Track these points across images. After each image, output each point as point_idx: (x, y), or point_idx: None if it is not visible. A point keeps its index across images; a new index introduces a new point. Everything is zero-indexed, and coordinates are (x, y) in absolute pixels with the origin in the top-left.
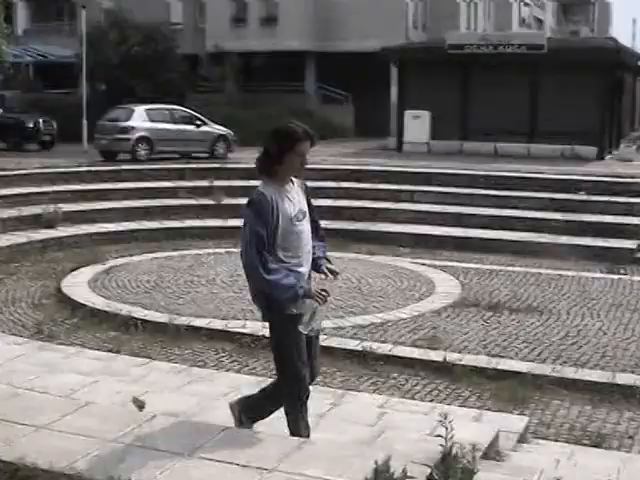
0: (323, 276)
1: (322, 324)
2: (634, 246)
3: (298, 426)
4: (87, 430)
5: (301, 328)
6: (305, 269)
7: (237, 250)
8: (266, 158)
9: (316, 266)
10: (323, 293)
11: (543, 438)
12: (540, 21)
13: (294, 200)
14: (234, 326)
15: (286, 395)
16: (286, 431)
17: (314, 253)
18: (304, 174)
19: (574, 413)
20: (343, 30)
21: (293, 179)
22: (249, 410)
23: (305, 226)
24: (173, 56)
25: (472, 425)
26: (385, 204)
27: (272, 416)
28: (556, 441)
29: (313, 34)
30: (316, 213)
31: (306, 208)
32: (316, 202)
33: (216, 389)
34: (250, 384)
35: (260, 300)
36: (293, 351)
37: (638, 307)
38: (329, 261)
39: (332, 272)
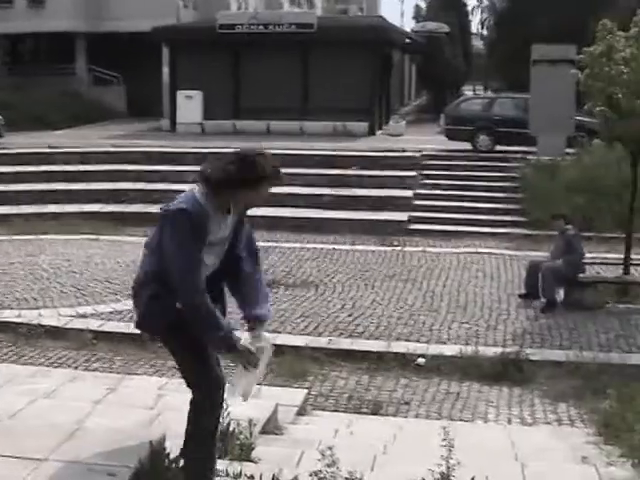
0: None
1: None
2: (405, 218)
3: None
4: None
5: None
6: None
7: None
8: (220, 176)
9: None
10: (251, 357)
11: (322, 409)
12: (311, 0)
13: (221, 226)
14: (8, 316)
15: (198, 412)
16: None
17: (253, 304)
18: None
19: (352, 383)
20: (114, 10)
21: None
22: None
23: (214, 253)
24: None
25: (250, 401)
26: (159, 185)
27: None
28: (335, 411)
29: (83, 15)
30: (257, 248)
31: (225, 236)
32: (89, 187)
33: None
34: (29, 374)
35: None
36: (203, 352)
37: (410, 277)
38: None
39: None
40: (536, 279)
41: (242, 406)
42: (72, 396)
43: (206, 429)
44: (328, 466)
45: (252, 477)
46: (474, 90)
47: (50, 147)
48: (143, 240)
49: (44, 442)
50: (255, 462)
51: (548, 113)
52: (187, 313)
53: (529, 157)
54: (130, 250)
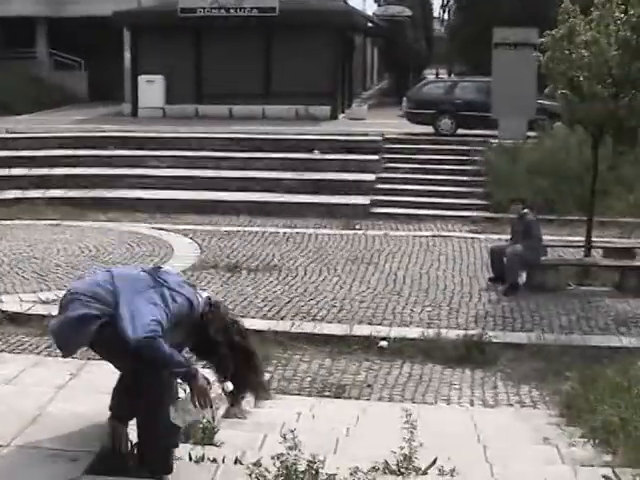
0: None
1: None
2: (368, 201)
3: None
4: None
5: (172, 415)
6: None
7: None
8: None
9: None
10: (205, 399)
11: (285, 393)
12: None
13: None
14: None
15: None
16: None
17: None
18: None
19: (315, 367)
20: None
21: None
22: None
23: None
24: None
25: (213, 386)
26: (121, 170)
27: None
28: (298, 395)
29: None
30: None
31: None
32: (50, 172)
33: None
34: None
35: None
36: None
37: (373, 261)
38: None
39: None
40: (501, 263)
41: None
42: (34, 382)
43: (159, 414)
44: (290, 449)
45: (215, 460)
46: (437, 74)
47: (8, 132)
48: (107, 225)
49: (6, 428)
50: (218, 446)
51: (510, 96)
52: (143, 350)
53: (491, 140)
54: (92, 236)
